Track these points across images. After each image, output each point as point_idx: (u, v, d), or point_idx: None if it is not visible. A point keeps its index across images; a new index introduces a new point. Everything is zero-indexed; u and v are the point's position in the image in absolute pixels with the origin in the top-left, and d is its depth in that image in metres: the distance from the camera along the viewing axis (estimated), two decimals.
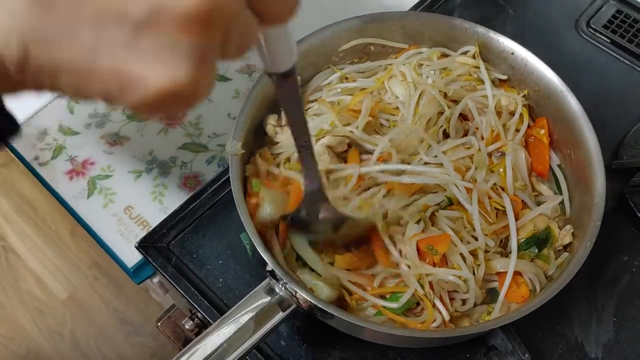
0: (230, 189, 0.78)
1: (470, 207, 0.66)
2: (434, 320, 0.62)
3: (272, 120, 0.73)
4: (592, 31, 0.97)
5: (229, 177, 0.80)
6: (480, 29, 0.76)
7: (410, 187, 0.67)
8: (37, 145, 0.90)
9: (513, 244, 0.65)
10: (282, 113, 0.72)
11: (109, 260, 0.83)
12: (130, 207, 0.84)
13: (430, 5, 0.96)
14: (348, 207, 0.66)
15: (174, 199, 0.83)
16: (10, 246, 1.89)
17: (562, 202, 0.72)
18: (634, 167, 0.80)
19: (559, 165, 0.74)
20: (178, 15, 0.30)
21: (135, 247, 0.75)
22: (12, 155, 0.93)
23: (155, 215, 0.83)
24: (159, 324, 0.82)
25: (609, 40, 0.96)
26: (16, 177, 2.03)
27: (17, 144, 0.91)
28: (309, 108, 0.75)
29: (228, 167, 0.83)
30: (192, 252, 0.75)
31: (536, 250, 0.67)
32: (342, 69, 0.78)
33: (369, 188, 0.68)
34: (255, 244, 0.61)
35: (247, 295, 0.60)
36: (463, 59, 0.77)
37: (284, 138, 0.72)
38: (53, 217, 1.91)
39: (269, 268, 0.60)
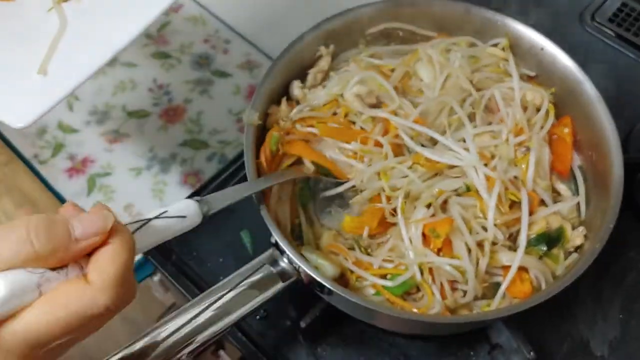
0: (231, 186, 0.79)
1: (487, 196, 0.65)
2: (433, 308, 0.61)
3: (297, 83, 0.73)
4: (597, 24, 0.96)
5: (229, 174, 0.81)
6: (512, 22, 0.76)
7: (434, 166, 0.66)
8: (36, 142, 0.89)
9: (522, 238, 0.64)
10: (309, 76, 0.73)
11: None
12: (130, 205, 0.84)
13: None
14: (365, 172, 0.66)
15: (175, 197, 0.83)
16: None
17: (578, 204, 0.71)
18: None
19: (579, 166, 0.73)
20: None
21: None
22: (13, 153, 0.92)
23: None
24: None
25: (614, 34, 0.95)
26: (18, 174, 2.02)
27: (17, 141, 0.91)
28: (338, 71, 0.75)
29: (228, 163, 0.84)
30: (192, 250, 0.75)
31: (545, 248, 0.66)
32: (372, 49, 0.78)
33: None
34: (264, 218, 0.60)
35: (249, 263, 0.60)
36: (492, 50, 0.76)
37: (314, 97, 0.72)
38: None
39: (273, 240, 0.60)
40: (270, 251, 0.61)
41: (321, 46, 0.74)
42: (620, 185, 0.65)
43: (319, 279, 0.57)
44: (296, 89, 0.72)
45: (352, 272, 0.63)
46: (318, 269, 0.61)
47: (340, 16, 0.75)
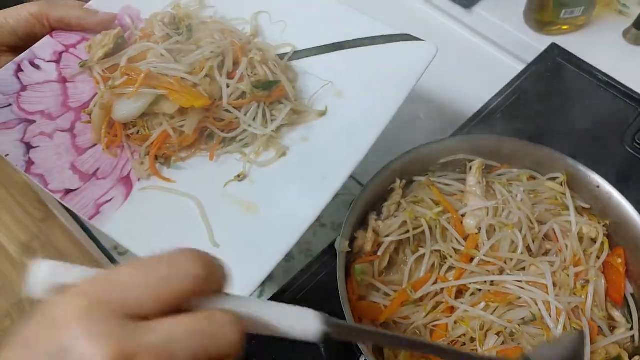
0: (302, 294, 0.85)
1: (554, 325, 0.70)
2: None
3: (373, 216, 0.80)
4: (638, 146, 1.03)
5: (302, 281, 0.86)
6: (570, 161, 0.83)
7: (505, 299, 0.72)
8: None
9: None
10: (384, 209, 0.81)
11: None
12: None
13: (485, 120, 1.03)
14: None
15: None
16: None
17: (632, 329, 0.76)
18: None
19: (632, 294, 0.79)
20: None
21: None
22: (53, 210, 0.98)
23: None
24: None
25: None
26: (55, 231, 2.09)
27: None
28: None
29: (299, 272, 0.90)
30: (272, 354, 0.80)
31: None
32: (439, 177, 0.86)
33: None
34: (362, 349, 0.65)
35: None
36: (552, 185, 0.83)
37: (384, 229, 0.78)
38: None
39: None
40: None
41: (397, 178, 0.81)
42: None
43: None
44: (372, 221, 0.79)
45: None
46: None
47: (415, 151, 0.83)
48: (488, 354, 0.69)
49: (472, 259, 0.77)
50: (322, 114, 0.86)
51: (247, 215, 0.78)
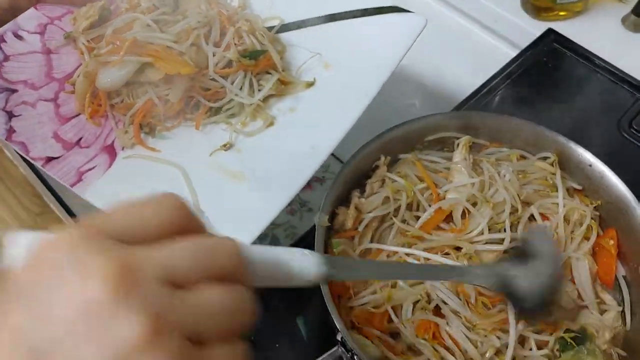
0: None
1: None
2: None
3: (356, 194, 0.78)
4: (634, 131, 1.01)
5: None
6: (562, 139, 0.80)
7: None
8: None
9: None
10: (367, 186, 0.78)
11: None
12: None
13: (477, 103, 1.01)
14: None
15: None
16: None
17: (624, 313, 0.74)
18: None
19: (624, 277, 0.76)
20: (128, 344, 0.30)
21: None
22: (50, 204, 0.96)
23: None
24: None
25: None
26: (51, 225, 2.07)
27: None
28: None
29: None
30: (248, 335, 0.78)
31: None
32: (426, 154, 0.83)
33: None
34: (331, 312, 0.63)
35: None
36: (542, 164, 0.80)
37: (366, 206, 0.76)
38: None
39: (339, 337, 0.62)
40: (335, 349, 0.64)
41: (381, 155, 0.79)
42: None
43: None
44: (355, 198, 0.77)
45: None
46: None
47: (402, 127, 0.80)
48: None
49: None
50: (310, 84, 0.85)
51: (233, 183, 0.78)
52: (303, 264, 0.42)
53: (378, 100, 0.80)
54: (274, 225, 0.93)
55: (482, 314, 0.66)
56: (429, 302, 0.68)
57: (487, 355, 0.64)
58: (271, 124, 0.83)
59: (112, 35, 0.83)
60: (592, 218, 0.77)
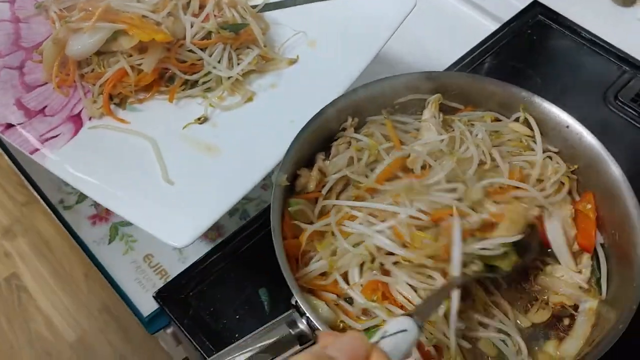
0: (252, 243, 0.80)
1: None
2: None
3: (321, 156, 0.75)
4: (620, 104, 0.98)
5: (250, 232, 0.81)
6: (537, 99, 0.77)
7: None
8: (63, 188, 0.91)
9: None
10: (332, 149, 0.75)
11: (120, 305, 0.82)
12: (150, 256, 0.84)
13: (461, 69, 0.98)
14: None
15: (194, 250, 0.83)
16: (24, 285, 1.88)
17: (599, 282, 0.70)
18: None
19: (602, 244, 0.73)
20: None
21: (153, 296, 0.75)
22: (36, 195, 0.94)
23: (174, 266, 0.83)
24: None
25: (637, 114, 0.96)
26: (37, 216, 2.05)
27: (43, 185, 0.93)
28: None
29: (250, 219, 0.84)
30: (209, 306, 0.74)
31: None
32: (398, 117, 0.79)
33: None
34: (285, 276, 0.61)
35: (267, 324, 0.59)
36: (516, 126, 0.77)
37: (331, 168, 0.73)
38: (69, 259, 1.92)
39: (293, 301, 0.60)
40: (289, 312, 0.60)
41: (348, 117, 0.76)
42: None
43: None
44: (319, 160, 0.74)
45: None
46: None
47: (368, 87, 0.77)
48: None
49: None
50: (293, 62, 0.85)
51: (207, 156, 0.76)
52: (409, 339, 0.49)
53: (359, 76, 0.80)
54: (246, 199, 0.90)
55: (419, 246, 0.62)
56: (372, 260, 0.64)
57: None
58: (250, 99, 0.82)
59: (85, 1, 0.80)
60: (567, 176, 0.74)
